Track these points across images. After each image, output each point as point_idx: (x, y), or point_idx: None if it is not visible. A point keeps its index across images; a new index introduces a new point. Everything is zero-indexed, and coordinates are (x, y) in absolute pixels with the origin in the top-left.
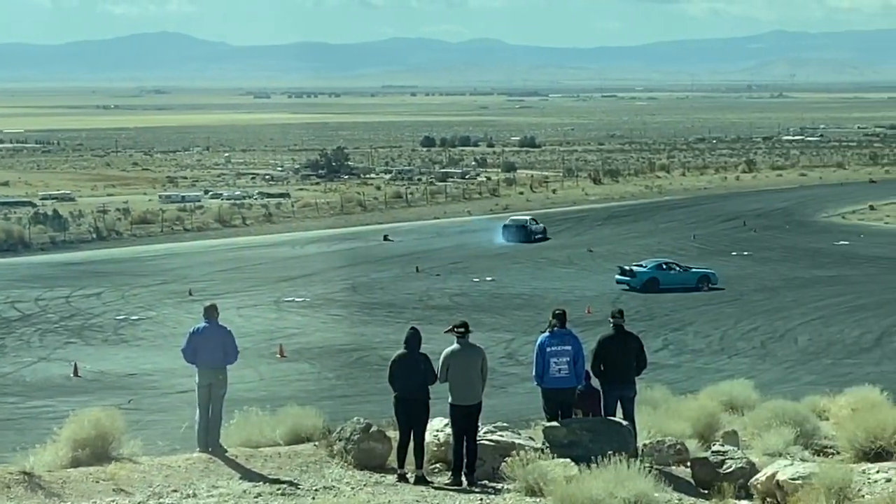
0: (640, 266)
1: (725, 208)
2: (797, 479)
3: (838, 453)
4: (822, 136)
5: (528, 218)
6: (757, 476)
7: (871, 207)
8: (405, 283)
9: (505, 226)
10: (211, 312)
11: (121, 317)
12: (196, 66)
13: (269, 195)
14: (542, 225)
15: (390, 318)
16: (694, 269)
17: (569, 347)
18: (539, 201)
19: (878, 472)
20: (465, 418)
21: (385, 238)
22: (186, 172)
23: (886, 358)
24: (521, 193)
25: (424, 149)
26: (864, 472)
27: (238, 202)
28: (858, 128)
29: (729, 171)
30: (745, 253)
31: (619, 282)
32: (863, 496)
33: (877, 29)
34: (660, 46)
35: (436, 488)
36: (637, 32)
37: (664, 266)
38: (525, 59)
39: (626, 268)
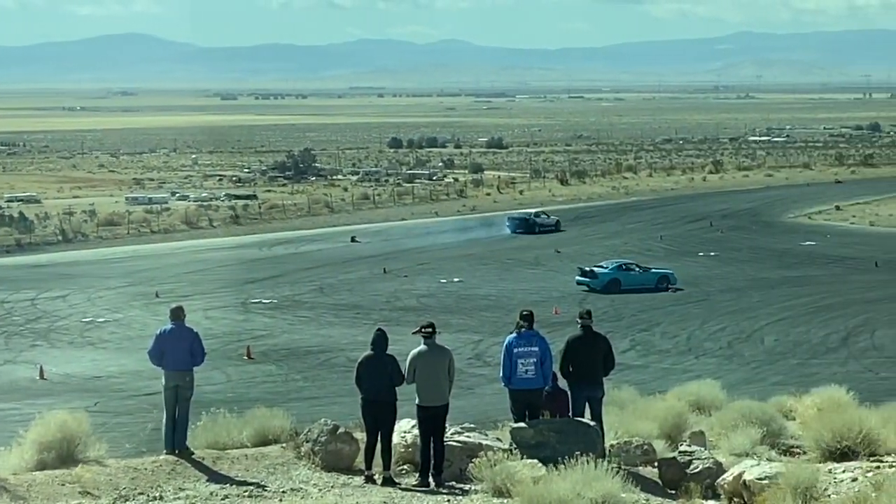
0: (601, 267)
1: (692, 209)
2: (764, 478)
3: (805, 453)
4: (788, 136)
5: (534, 211)
6: (724, 476)
7: (838, 208)
8: (372, 284)
9: (510, 217)
10: (177, 314)
11: (87, 319)
12: (163, 68)
13: (237, 197)
14: (554, 218)
15: (357, 320)
16: (654, 270)
17: (536, 348)
18: (506, 202)
19: (844, 471)
20: (432, 419)
21: (352, 239)
22: (153, 174)
23: (853, 358)
24: (489, 194)
25: (392, 150)
26: (830, 471)
27: (205, 204)
28: (824, 128)
29: (696, 171)
30: (712, 253)
31: (579, 283)
32: (829, 496)
33: (842, 30)
34: (627, 47)
35: (403, 489)
36: (604, 34)
37: (624, 267)
38: (492, 61)
39: (587, 269)
